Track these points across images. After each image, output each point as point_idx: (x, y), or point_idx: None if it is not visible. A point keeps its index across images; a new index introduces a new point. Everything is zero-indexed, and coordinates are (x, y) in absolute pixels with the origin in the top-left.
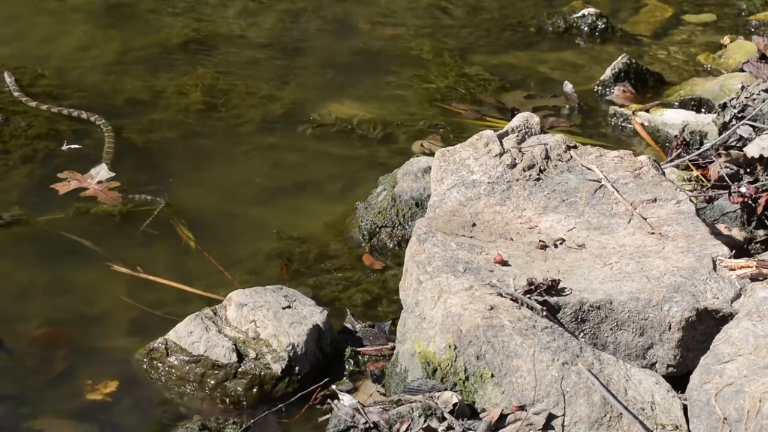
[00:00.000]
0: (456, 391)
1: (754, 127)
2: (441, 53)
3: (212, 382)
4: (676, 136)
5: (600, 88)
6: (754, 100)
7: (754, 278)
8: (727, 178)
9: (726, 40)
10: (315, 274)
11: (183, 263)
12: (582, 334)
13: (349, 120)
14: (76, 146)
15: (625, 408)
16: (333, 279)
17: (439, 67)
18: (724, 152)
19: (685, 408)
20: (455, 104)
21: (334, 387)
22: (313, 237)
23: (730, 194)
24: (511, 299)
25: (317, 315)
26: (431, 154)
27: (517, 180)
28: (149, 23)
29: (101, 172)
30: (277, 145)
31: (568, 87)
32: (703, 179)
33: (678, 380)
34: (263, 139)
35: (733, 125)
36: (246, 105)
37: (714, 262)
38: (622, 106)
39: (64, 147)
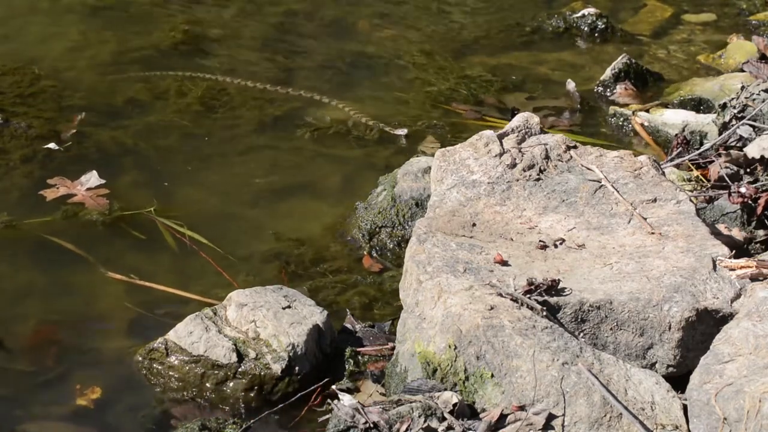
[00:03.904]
0: (456, 391)
1: (754, 127)
2: (441, 54)
3: (212, 382)
4: (676, 135)
5: (600, 88)
6: (754, 100)
7: (754, 278)
8: (727, 178)
9: (732, 38)
10: (314, 275)
11: (182, 265)
12: (582, 334)
13: (346, 121)
14: (54, 146)
15: (625, 408)
16: (333, 279)
17: (437, 68)
18: (724, 152)
19: (685, 408)
20: (455, 104)
21: (334, 387)
22: (312, 238)
23: (730, 194)
24: (511, 299)
25: (317, 315)
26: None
27: (517, 180)
28: (144, 24)
29: (92, 179)
30: (276, 146)
31: (570, 85)
32: (703, 179)
33: (678, 380)
34: (261, 140)
35: (733, 125)
36: (243, 107)
37: (714, 262)
38: (622, 106)
39: (50, 146)
